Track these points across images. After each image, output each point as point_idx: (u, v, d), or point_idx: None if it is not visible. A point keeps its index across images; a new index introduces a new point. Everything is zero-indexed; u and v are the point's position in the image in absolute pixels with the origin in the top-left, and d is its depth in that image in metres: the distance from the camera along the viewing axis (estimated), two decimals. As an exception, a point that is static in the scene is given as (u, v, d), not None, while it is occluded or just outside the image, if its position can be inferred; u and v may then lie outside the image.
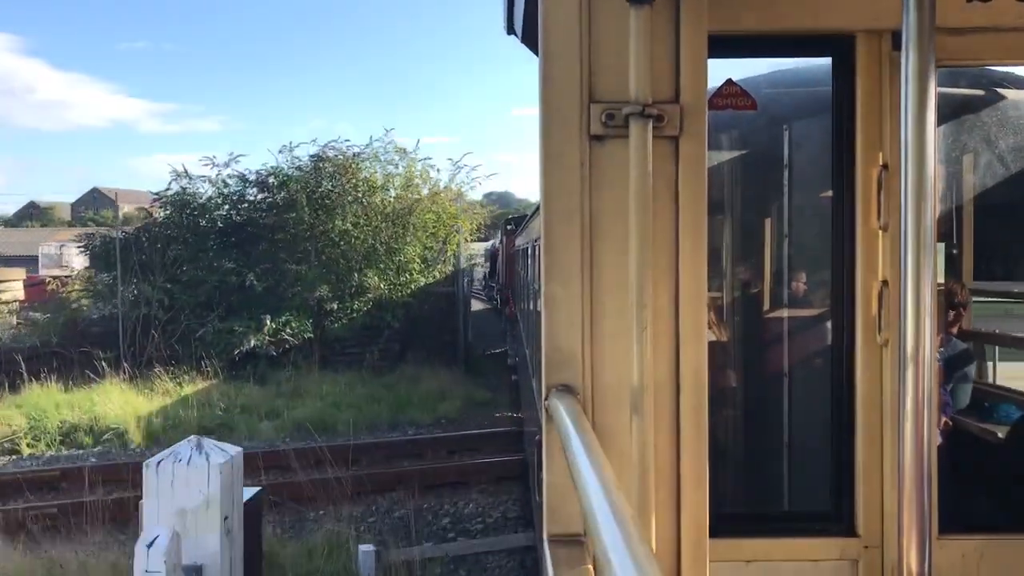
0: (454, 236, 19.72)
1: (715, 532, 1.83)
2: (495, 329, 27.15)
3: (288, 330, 17.64)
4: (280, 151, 19.56)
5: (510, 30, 2.55)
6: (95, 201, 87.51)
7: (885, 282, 2.39)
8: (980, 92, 3.96)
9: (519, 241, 15.49)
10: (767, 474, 2.91)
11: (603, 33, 1.74)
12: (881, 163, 2.39)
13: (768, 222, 3.22)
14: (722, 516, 2.11)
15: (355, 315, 18.36)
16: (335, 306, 18.14)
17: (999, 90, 3.95)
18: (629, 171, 1.67)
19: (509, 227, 28.42)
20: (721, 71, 2.73)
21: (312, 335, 17.97)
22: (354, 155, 19.18)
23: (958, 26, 2.27)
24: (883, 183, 2.38)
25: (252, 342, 17.18)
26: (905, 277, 1.35)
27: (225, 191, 19.41)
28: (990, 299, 6.48)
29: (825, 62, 2.50)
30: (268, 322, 17.41)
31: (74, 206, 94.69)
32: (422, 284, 19.07)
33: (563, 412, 1.58)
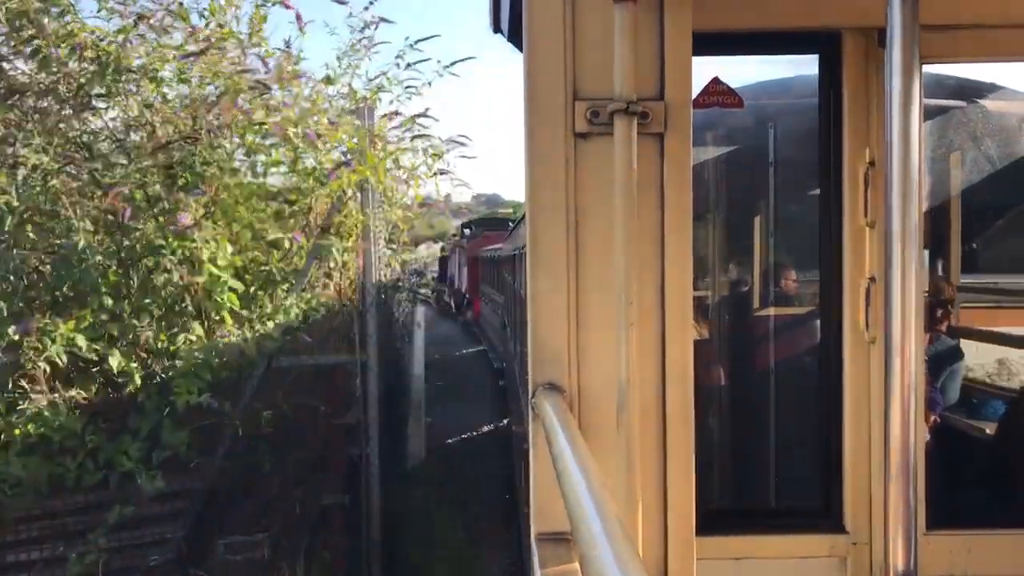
0: (353, 218, 6.85)
1: (703, 529, 1.83)
2: (450, 331, 25.96)
3: None
4: None
5: (496, 28, 2.54)
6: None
7: (872, 279, 2.40)
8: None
9: (507, 247, 13.50)
10: (755, 471, 2.92)
11: (587, 30, 1.74)
12: (868, 160, 2.39)
13: (756, 220, 3.23)
14: (710, 513, 2.12)
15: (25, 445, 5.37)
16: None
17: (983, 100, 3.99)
18: (614, 168, 1.67)
19: (467, 231, 28.25)
20: (709, 70, 2.73)
21: None
22: None
23: (943, 23, 2.27)
24: (870, 180, 2.39)
25: None
26: (891, 273, 1.36)
27: None
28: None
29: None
30: None
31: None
32: (254, 351, 6.11)
33: (549, 410, 1.58)
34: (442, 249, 35.81)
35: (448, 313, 31.63)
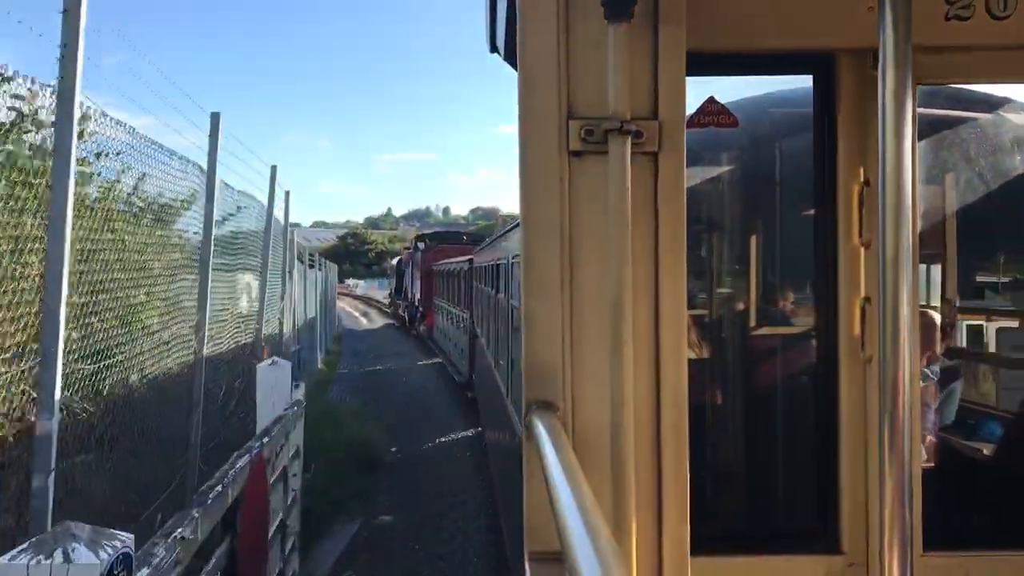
0: None
1: (698, 550, 1.81)
2: (404, 343, 24.83)
3: None
4: None
5: (493, 48, 2.56)
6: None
7: (868, 299, 2.39)
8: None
9: (481, 259, 12.05)
10: (751, 491, 2.89)
11: (581, 50, 1.74)
12: (863, 180, 2.39)
13: (753, 239, 3.23)
14: (705, 534, 2.10)
15: None
16: None
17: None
18: (608, 186, 1.68)
19: (420, 244, 28.01)
20: (705, 89, 2.74)
21: None
22: None
23: (936, 44, 2.28)
24: (865, 200, 2.39)
25: None
26: (884, 293, 1.36)
27: None
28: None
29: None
30: None
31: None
32: None
33: (542, 429, 1.57)
34: (398, 264, 35.96)
35: (402, 326, 31.25)
